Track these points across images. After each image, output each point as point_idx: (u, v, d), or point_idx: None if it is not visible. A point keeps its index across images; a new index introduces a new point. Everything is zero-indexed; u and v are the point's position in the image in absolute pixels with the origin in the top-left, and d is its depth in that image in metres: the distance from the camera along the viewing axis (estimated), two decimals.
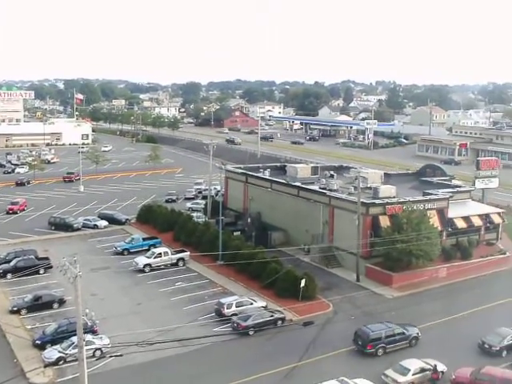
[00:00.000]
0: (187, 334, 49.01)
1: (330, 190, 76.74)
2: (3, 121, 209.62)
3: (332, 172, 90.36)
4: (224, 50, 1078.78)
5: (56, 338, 49.93)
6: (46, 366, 46.15)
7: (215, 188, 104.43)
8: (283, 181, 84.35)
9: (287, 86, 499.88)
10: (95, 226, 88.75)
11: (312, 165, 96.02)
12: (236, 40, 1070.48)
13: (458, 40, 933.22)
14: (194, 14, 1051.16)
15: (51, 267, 66.91)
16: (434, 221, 70.52)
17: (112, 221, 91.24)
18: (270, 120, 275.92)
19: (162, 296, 62.40)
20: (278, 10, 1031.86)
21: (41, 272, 67.56)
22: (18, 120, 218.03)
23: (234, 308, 56.37)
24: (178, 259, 72.28)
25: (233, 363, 48.27)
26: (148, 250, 75.13)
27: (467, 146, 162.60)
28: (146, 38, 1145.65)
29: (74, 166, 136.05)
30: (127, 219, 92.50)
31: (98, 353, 47.88)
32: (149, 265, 70.11)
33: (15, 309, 57.62)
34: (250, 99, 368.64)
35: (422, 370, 45.29)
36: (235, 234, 77.73)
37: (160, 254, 71.67)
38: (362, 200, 67.98)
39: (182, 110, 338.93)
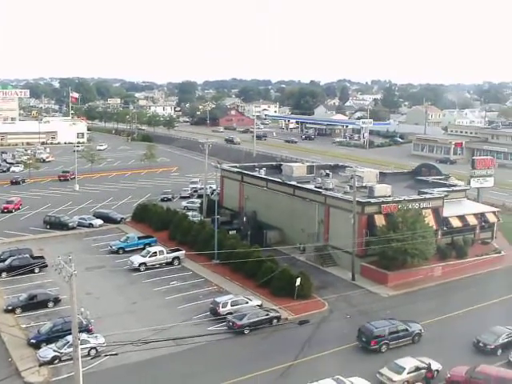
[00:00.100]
0: (182, 333, 48.92)
1: (326, 189, 76.76)
2: None
3: (328, 171, 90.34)
4: (220, 49, 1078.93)
5: (51, 337, 49.85)
6: (40, 365, 46.07)
7: (211, 187, 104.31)
8: (279, 180, 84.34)
9: (283, 85, 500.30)
10: (90, 225, 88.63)
11: (308, 164, 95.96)
12: (232, 39, 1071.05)
13: (453, 39, 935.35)
14: (189, 13, 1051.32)
15: (46, 266, 66.80)
16: (430, 220, 70.64)
17: (107, 220, 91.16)
18: (265, 119, 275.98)
19: (157, 295, 62.35)
20: (274, 10, 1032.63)
21: (36, 271, 67.34)
22: (13, 119, 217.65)
23: (229, 307, 56.35)
24: (174, 258, 72.21)
25: (228, 362, 48.25)
26: (143, 248, 75.01)
27: (463, 145, 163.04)
28: (141, 36, 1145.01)
29: (70, 165, 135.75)
30: (122, 218, 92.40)
31: (93, 352, 47.80)
32: (144, 264, 70.02)
33: (10, 308, 57.50)
34: (246, 98, 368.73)
35: (417, 369, 45.35)
36: (231, 232, 77.68)
37: (155, 252, 71.59)
38: (357, 199, 68.03)
39: (178, 108, 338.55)
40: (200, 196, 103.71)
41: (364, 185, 77.01)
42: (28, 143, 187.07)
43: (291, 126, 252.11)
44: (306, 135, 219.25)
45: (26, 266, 65.57)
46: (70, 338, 43.32)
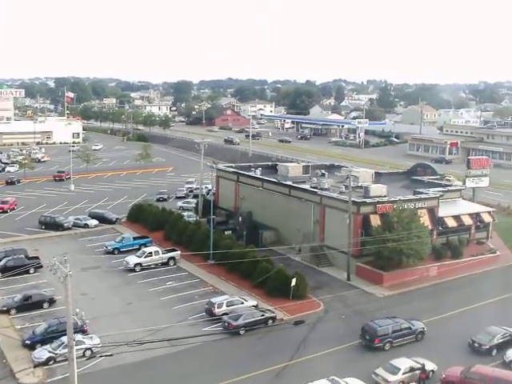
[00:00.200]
0: (177, 334, 48.89)
1: (321, 189, 76.81)
2: None
3: (323, 171, 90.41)
4: (216, 48, 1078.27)
5: (46, 338, 49.73)
6: (35, 366, 45.90)
7: (206, 187, 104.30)
8: (274, 180, 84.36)
9: (279, 85, 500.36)
10: (86, 225, 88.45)
11: (303, 164, 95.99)
12: (228, 39, 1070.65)
13: (449, 39, 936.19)
14: (185, 13, 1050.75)
15: (41, 267, 66.69)
16: (425, 220, 70.75)
17: (102, 220, 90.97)
18: (261, 119, 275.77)
19: (153, 295, 62.28)
20: (271, 10, 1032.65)
21: (31, 271, 67.21)
22: (8, 118, 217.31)
23: (224, 307, 56.30)
24: (169, 258, 72.13)
25: (223, 363, 48.23)
26: (138, 249, 74.93)
27: (458, 144, 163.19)
28: (137, 36, 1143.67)
29: (65, 165, 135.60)
30: (118, 218, 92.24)
31: (88, 353, 47.69)
32: (139, 264, 69.93)
33: (5, 308, 57.34)
34: (242, 98, 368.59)
35: (412, 369, 45.38)
36: (226, 233, 77.64)
37: (151, 253, 71.49)
38: (352, 199, 68.08)
39: (174, 108, 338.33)
40: (195, 196, 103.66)
41: (359, 185, 77.11)
42: (23, 143, 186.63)
43: (287, 125, 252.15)
44: (301, 135, 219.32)
45: (20, 267, 65.34)
46: (64, 338, 43.25)
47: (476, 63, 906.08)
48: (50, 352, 47.47)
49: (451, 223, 75.91)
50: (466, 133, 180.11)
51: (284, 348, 50.17)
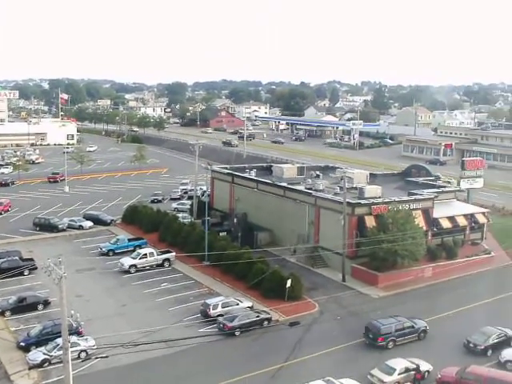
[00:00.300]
0: (173, 335, 48.90)
1: (316, 191, 76.87)
2: None
3: (318, 172, 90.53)
4: (210, 50, 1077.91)
5: (41, 340, 49.60)
6: (30, 369, 45.89)
7: (201, 188, 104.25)
8: (269, 181, 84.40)
9: (273, 86, 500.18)
10: (80, 227, 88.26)
11: (298, 165, 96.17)
12: (222, 40, 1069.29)
13: (443, 41, 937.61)
14: (179, 14, 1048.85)
15: (36, 268, 66.61)
16: (420, 221, 70.86)
17: (97, 221, 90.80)
18: (256, 120, 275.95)
19: (148, 297, 62.19)
20: (265, 11, 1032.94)
21: (25, 273, 67.12)
22: (2, 120, 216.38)
23: (219, 309, 56.25)
24: (164, 260, 72.07)
25: (219, 364, 48.18)
26: (133, 250, 74.80)
27: (452, 146, 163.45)
28: (131, 37, 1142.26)
29: (59, 167, 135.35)
30: (112, 220, 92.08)
31: (83, 354, 47.57)
32: (134, 266, 69.83)
33: None
34: (236, 99, 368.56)
35: (407, 370, 45.44)
36: (221, 234, 77.60)
37: (145, 254, 71.42)
38: (347, 200, 68.14)
39: (168, 110, 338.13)
40: (190, 197, 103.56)
41: (354, 186, 77.23)
42: (17, 145, 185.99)
43: (281, 127, 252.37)
44: (296, 136, 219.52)
45: (15, 269, 64.98)
46: (59, 340, 43.20)
47: (470, 65, 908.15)
48: (44, 354, 47.33)
49: (446, 224, 76.03)
50: (461, 134, 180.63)
51: (279, 349, 50.16)
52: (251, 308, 57.92)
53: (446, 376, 45.10)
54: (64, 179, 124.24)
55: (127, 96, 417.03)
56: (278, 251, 74.79)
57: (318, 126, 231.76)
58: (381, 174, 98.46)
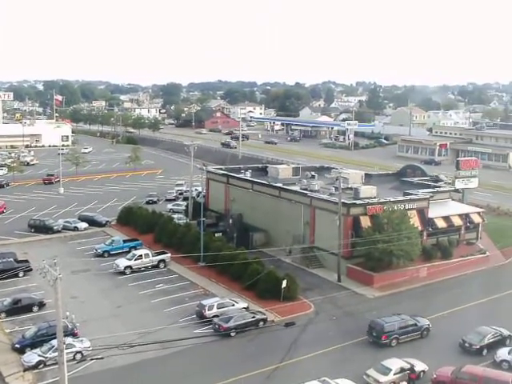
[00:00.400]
0: (168, 336, 48.82)
1: (311, 191, 76.87)
2: None
3: (313, 173, 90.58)
4: (205, 51, 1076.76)
5: (36, 342, 49.50)
6: (25, 370, 45.78)
7: (196, 189, 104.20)
8: (264, 182, 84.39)
9: (268, 87, 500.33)
10: (75, 228, 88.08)
11: (293, 166, 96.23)
12: (217, 41, 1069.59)
13: (437, 41, 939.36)
14: (174, 15, 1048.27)
15: (31, 270, 66.47)
16: (415, 221, 70.92)
17: (92, 223, 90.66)
18: (251, 121, 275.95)
19: (143, 298, 62.11)
20: (259, 12, 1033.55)
21: (20, 275, 66.90)
22: None
23: (215, 310, 56.23)
24: (159, 261, 71.99)
25: (214, 365, 48.14)
26: (129, 251, 74.70)
27: (447, 146, 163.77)
28: (126, 38, 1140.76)
29: (54, 168, 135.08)
30: (107, 221, 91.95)
31: (78, 356, 47.54)
32: (129, 267, 69.75)
33: None
34: (231, 100, 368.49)
35: (403, 370, 45.48)
36: (216, 235, 77.53)
37: (141, 255, 71.34)
38: (342, 200, 68.13)
39: (163, 111, 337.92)
40: (185, 198, 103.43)
41: (349, 186, 77.33)
42: (12, 146, 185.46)
43: (277, 127, 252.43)
44: (291, 137, 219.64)
45: (10, 270, 64.85)
46: (55, 342, 43.11)
47: (465, 65, 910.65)
48: (39, 356, 47.24)
49: (441, 224, 76.16)
50: (455, 134, 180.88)
51: (275, 350, 50.16)
52: (247, 309, 57.90)
53: (441, 376, 45.16)
54: (59, 181, 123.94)
55: (122, 97, 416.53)
56: (273, 252, 74.78)
57: (313, 126, 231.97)
58: (376, 174, 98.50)
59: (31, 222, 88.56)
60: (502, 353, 48.96)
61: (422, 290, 65.27)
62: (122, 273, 69.14)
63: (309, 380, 42.78)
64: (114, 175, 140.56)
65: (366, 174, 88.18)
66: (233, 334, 53.02)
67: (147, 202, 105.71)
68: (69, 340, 46.59)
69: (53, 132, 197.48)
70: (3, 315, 56.69)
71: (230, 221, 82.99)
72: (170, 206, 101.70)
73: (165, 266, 71.82)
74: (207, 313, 55.79)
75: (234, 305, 57.88)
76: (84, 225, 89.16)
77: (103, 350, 40.37)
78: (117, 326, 54.04)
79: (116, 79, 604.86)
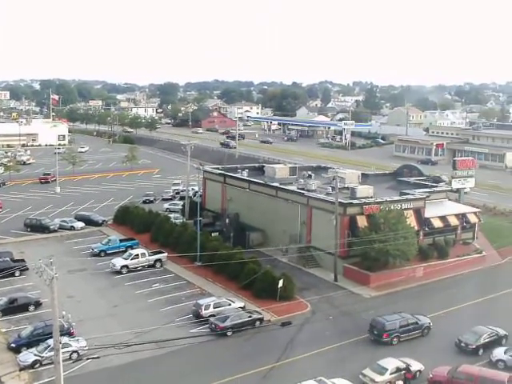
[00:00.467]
0: (164, 336, 48.73)
1: (308, 191, 76.87)
2: None
3: (310, 172, 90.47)
4: (202, 50, 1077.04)
5: (32, 341, 49.43)
6: (21, 370, 45.55)
7: (193, 189, 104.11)
8: (261, 181, 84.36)
9: (265, 87, 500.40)
10: (72, 228, 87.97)
11: (290, 165, 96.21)
12: (214, 41, 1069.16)
13: (434, 41, 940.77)
14: (170, 15, 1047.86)
15: (27, 269, 66.29)
16: (411, 220, 70.99)
17: (89, 222, 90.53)
18: (248, 121, 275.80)
19: (139, 298, 62.05)
20: (257, 12, 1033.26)
21: (16, 274, 66.84)
22: None
23: (211, 309, 56.20)
24: (156, 260, 71.92)
25: (211, 364, 48.14)
26: (125, 251, 74.57)
27: (444, 146, 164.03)
28: (123, 38, 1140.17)
29: (51, 167, 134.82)
30: (104, 220, 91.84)
31: (74, 355, 47.46)
32: (126, 266, 69.69)
33: None
34: (228, 100, 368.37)
35: (399, 370, 45.50)
36: (213, 234, 77.47)
37: (137, 255, 71.28)
38: (339, 200, 68.18)
39: (160, 110, 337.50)
40: (182, 198, 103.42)
41: (346, 186, 77.35)
42: (8, 145, 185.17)
43: (273, 127, 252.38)
44: (288, 136, 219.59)
45: (6, 270, 64.68)
46: (51, 341, 43.06)
47: (461, 65, 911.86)
48: (35, 355, 47.16)
49: (437, 224, 76.24)
50: (452, 134, 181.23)
51: (271, 349, 50.16)
52: (243, 308, 57.89)
53: (437, 375, 45.21)
54: (55, 180, 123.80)
55: (119, 96, 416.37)
56: (270, 251, 74.81)
57: (309, 126, 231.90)
58: (372, 174, 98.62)
59: (27, 222, 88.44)
60: (498, 352, 49.05)
61: (418, 290, 65.33)
62: (119, 272, 69.08)
63: (305, 379, 42.77)
64: (110, 174, 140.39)
65: (362, 174, 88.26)
66: (229, 334, 52.98)
67: (144, 202, 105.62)
68: (65, 339, 46.59)
69: (49, 131, 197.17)
70: None
71: (227, 220, 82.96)
72: (166, 205, 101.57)
73: (161, 266, 71.75)
74: (204, 312, 55.76)
75: (230, 304, 57.87)
76: (80, 224, 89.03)
77: (99, 350, 40.26)
78: (113, 325, 53.98)
79: (113, 79, 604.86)
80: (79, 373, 45.64)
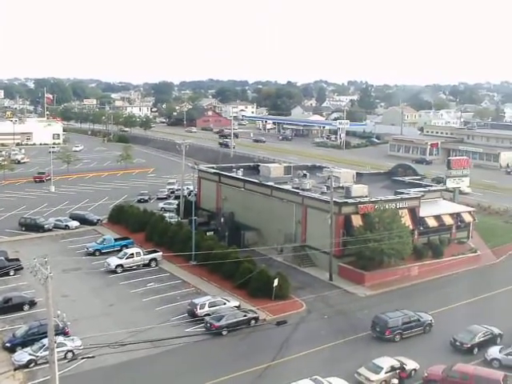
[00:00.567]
0: (159, 335, 48.71)
1: (303, 190, 76.93)
2: None
3: (305, 172, 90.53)
4: (196, 49, 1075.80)
5: (26, 341, 49.31)
6: (16, 369, 45.38)
7: (188, 188, 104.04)
8: (256, 180, 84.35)
9: (260, 86, 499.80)
10: (66, 227, 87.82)
11: (285, 164, 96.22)
12: (209, 40, 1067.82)
13: (429, 40, 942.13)
14: (165, 14, 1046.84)
15: (22, 268, 66.05)
16: (406, 220, 71.14)
17: (83, 221, 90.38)
18: (242, 120, 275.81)
19: (134, 297, 61.98)
20: (252, 11, 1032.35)
21: (11, 273, 66.65)
22: None
23: (206, 308, 56.18)
24: (151, 260, 71.85)
25: (206, 363, 48.10)
26: (120, 250, 74.51)
27: (438, 145, 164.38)
28: (117, 36, 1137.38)
29: (45, 166, 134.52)
30: (99, 220, 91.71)
31: (69, 355, 47.36)
32: (121, 265, 69.58)
33: None
34: (223, 99, 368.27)
35: (394, 369, 45.55)
36: (208, 233, 77.47)
37: (132, 254, 71.18)
38: (334, 199, 68.24)
39: (154, 109, 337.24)
40: (177, 197, 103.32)
41: (341, 185, 77.40)
42: (2, 144, 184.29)
43: (268, 126, 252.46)
44: (283, 136, 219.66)
45: (0, 269, 64.58)
46: (45, 341, 42.90)
47: (456, 64, 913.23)
48: (30, 354, 47.05)
49: (432, 223, 76.37)
50: (447, 133, 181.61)
51: (266, 348, 50.17)
52: (238, 307, 57.88)
53: (432, 374, 45.31)
54: (50, 179, 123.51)
55: (113, 95, 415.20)
56: (265, 250, 74.81)
57: (304, 125, 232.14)
58: (367, 173, 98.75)
59: (22, 221, 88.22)
60: (493, 351, 49.17)
61: (413, 289, 65.41)
62: (114, 271, 68.97)
63: (300, 379, 42.81)
64: (105, 174, 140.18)
65: (357, 173, 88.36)
66: (224, 333, 52.96)
67: (139, 201, 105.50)
68: (60, 339, 46.53)
69: (44, 130, 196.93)
70: None
71: (222, 219, 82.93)
72: (161, 204, 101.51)
73: (156, 265, 71.67)
74: (199, 311, 55.72)
75: (225, 303, 57.86)
76: (75, 223, 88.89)
77: (94, 349, 40.11)
78: (108, 324, 53.88)
79: (107, 77, 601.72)
80: (74, 372, 45.53)
